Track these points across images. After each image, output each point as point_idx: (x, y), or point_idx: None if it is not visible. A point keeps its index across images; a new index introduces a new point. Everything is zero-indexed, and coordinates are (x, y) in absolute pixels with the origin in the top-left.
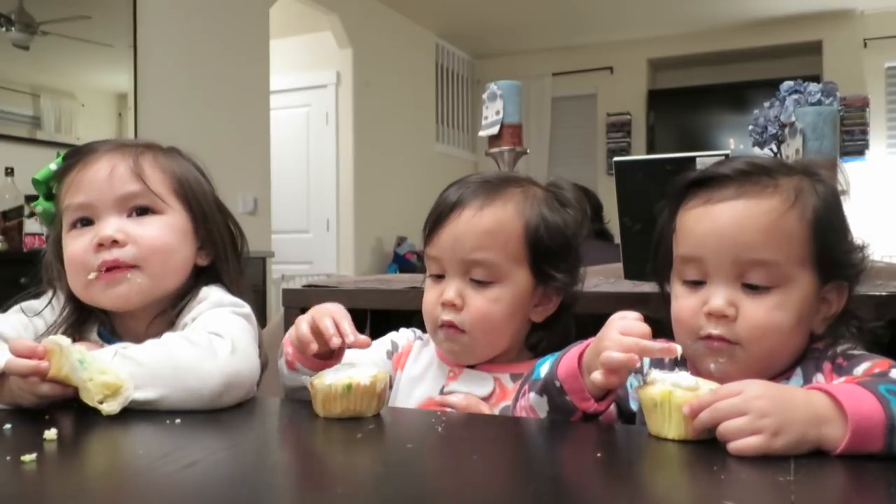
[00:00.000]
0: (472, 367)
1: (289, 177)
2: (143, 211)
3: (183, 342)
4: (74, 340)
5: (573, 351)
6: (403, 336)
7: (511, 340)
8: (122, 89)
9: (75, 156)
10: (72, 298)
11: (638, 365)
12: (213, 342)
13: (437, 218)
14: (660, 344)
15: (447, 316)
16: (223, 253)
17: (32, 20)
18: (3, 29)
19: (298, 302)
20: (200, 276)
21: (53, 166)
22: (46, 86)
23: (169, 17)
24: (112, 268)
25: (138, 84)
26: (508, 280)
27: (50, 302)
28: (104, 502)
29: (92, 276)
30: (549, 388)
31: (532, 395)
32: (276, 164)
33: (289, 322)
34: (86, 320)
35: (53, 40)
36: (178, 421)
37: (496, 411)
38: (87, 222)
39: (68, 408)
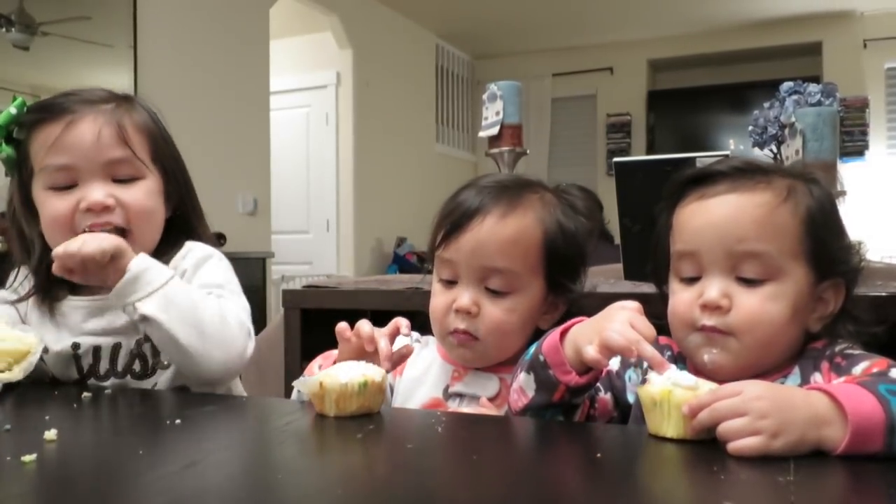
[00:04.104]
0: (477, 367)
1: (289, 177)
2: (124, 175)
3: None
4: (51, 308)
5: (558, 328)
6: (400, 343)
7: (521, 347)
8: (122, 90)
9: (48, 111)
10: (41, 262)
11: (633, 360)
12: (244, 326)
13: (457, 221)
14: (654, 352)
15: (461, 324)
16: (188, 201)
17: (32, 21)
18: (4, 29)
19: (298, 302)
20: (170, 226)
21: (14, 110)
22: (46, 86)
23: (169, 18)
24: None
25: (138, 84)
26: (524, 290)
27: (14, 280)
28: (104, 502)
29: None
30: (535, 364)
31: (522, 374)
32: (276, 164)
33: (288, 322)
34: (56, 282)
35: (53, 41)
36: (178, 421)
37: (502, 412)
38: (67, 185)
39: (69, 408)
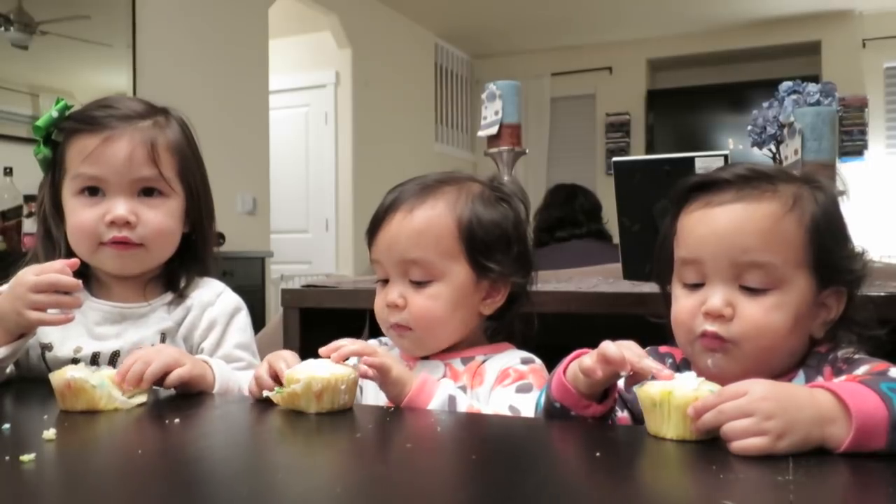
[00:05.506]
0: (426, 357)
1: (288, 177)
2: (150, 190)
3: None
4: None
5: (559, 369)
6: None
7: (460, 333)
8: (120, 89)
9: (88, 123)
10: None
11: (623, 373)
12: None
13: (374, 222)
14: (655, 363)
15: (394, 318)
16: (205, 224)
17: (31, 20)
18: (2, 29)
19: (297, 302)
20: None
21: (55, 113)
22: (45, 86)
23: (168, 17)
24: (122, 242)
25: (137, 84)
26: (446, 276)
27: None
28: (103, 502)
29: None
30: (552, 413)
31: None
32: (276, 164)
33: (287, 321)
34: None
35: (52, 40)
36: (177, 421)
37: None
38: (94, 191)
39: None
